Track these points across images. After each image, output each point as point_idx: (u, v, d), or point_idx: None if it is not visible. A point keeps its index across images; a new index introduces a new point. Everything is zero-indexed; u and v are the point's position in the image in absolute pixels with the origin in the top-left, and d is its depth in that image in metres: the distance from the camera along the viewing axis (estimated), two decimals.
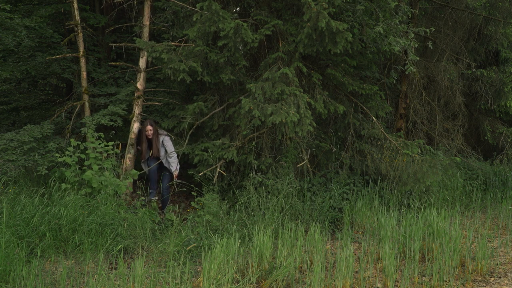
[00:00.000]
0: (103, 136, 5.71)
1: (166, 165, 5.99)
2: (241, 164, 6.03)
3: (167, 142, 5.95)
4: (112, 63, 6.69)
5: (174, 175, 5.93)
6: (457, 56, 8.66)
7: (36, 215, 4.40)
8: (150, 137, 5.94)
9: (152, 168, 6.00)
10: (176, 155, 5.96)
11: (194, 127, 6.14)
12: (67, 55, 6.46)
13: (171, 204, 5.99)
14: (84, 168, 5.34)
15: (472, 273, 4.35)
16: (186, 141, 6.06)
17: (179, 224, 5.02)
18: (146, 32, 6.19)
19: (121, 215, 4.83)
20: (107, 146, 5.57)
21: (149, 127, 5.88)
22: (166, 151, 5.96)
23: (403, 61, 7.20)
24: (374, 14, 6.07)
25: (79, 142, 5.52)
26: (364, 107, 6.68)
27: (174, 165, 5.90)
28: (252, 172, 5.75)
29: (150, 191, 6.03)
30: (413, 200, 6.34)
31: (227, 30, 5.32)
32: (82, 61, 6.20)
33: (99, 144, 5.55)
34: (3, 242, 3.75)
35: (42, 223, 4.36)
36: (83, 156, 5.39)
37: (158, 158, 6.01)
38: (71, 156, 5.31)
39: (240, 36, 5.44)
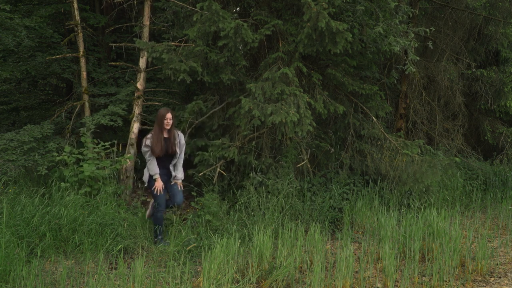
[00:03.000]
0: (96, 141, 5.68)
1: (172, 171, 4.72)
2: (241, 164, 6.02)
3: (182, 139, 4.72)
4: (112, 63, 6.70)
5: (180, 184, 4.80)
6: (457, 56, 8.66)
7: (36, 215, 4.40)
8: (169, 127, 4.55)
9: (163, 178, 4.68)
10: None
11: (193, 126, 6.12)
12: (67, 55, 6.47)
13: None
14: (81, 164, 5.34)
15: (472, 273, 4.35)
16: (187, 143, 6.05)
17: (179, 224, 5.02)
18: (146, 32, 6.19)
19: (121, 215, 4.84)
20: (105, 146, 5.56)
21: (169, 115, 4.52)
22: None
23: (403, 61, 7.20)
24: (374, 14, 6.07)
25: (75, 148, 5.49)
26: (364, 107, 6.68)
27: (181, 171, 4.78)
28: (252, 172, 5.75)
29: (159, 214, 4.62)
30: (413, 200, 6.34)
31: (227, 30, 5.32)
32: (82, 61, 6.21)
33: (98, 144, 5.55)
34: (3, 242, 3.75)
35: (42, 223, 4.36)
36: (80, 156, 5.39)
37: (169, 162, 4.71)
38: (68, 156, 5.31)
39: (240, 36, 5.44)
